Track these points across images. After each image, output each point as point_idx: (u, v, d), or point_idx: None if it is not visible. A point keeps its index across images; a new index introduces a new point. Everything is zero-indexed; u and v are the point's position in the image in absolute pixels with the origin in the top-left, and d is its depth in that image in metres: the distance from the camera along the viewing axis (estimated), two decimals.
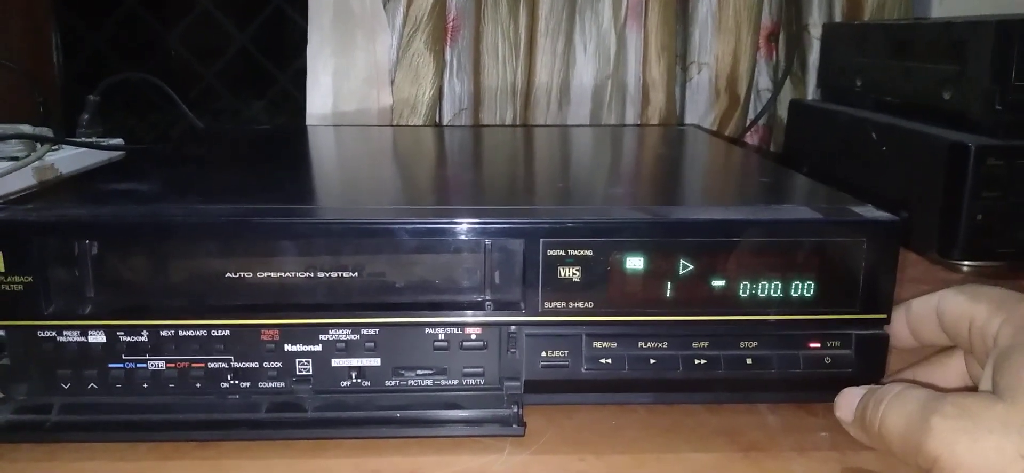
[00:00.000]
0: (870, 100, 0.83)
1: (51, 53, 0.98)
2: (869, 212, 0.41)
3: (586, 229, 0.39)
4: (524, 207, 0.42)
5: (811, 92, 0.98)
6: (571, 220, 0.39)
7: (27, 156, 0.74)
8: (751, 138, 0.99)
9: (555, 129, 0.85)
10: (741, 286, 0.40)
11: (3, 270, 0.38)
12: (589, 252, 0.39)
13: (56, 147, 0.79)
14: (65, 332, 0.39)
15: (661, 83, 0.92)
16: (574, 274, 0.39)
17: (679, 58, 0.95)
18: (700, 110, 0.96)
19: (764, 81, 0.99)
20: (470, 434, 0.39)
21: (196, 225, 0.39)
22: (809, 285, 0.40)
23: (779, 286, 0.40)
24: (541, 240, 0.39)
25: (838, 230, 0.40)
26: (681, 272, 0.40)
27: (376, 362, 0.41)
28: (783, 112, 0.99)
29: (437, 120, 0.89)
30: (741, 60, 0.93)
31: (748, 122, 0.97)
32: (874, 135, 0.76)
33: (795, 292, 0.40)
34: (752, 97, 0.97)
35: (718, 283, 0.40)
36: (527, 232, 0.39)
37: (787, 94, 0.98)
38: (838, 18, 0.98)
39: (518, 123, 0.92)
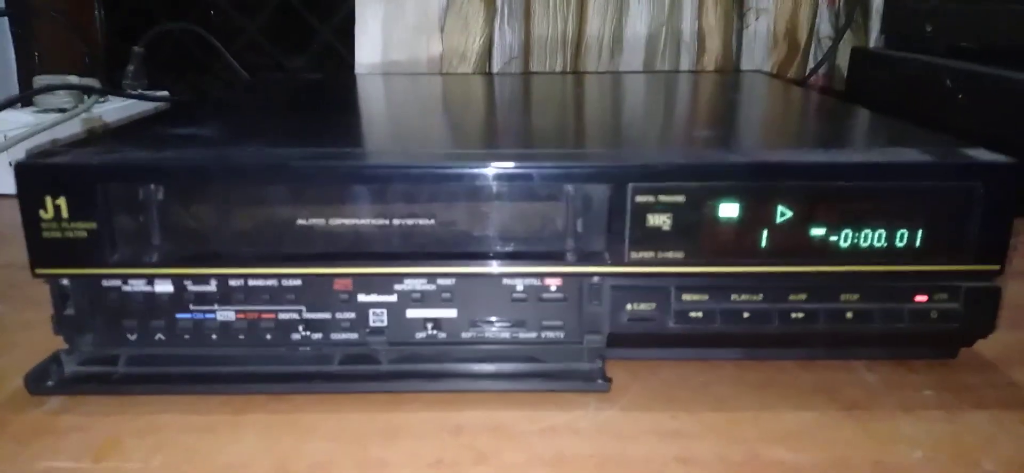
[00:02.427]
0: (942, 46, 0.78)
1: (93, 4, 0.96)
2: (983, 154, 0.38)
3: (679, 172, 0.36)
4: (609, 150, 0.39)
5: (874, 40, 0.93)
6: (662, 163, 0.37)
7: (74, 108, 0.73)
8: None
9: (616, 76, 0.82)
10: (843, 234, 0.37)
11: (66, 216, 0.36)
12: (681, 198, 0.36)
13: (103, 99, 0.77)
14: (130, 281, 0.38)
15: (718, 30, 0.88)
16: (664, 222, 0.37)
17: (735, 4, 0.90)
18: (757, 59, 0.92)
19: (824, 28, 0.95)
20: (552, 389, 0.37)
21: (267, 168, 0.36)
22: (917, 233, 0.37)
23: (884, 234, 0.37)
24: (629, 185, 0.36)
25: (951, 174, 0.37)
26: (779, 219, 0.37)
27: (452, 313, 0.39)
28: (842, 61, 0.94)
29: (487, 68, 0.86)
30: (802, 5, 0.89)
31: (807, 71, 0.93)
32: (949, 82, 0.72)
33: (901, 241, 0.38)
34: (813, 45, 0.93)
35: (818, 231, 0.37)
36: (614, 176, 0.37)
37: (846, 43, 0.94)
38: None
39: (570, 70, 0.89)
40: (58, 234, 0.36)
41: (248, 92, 0.68)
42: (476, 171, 0.37)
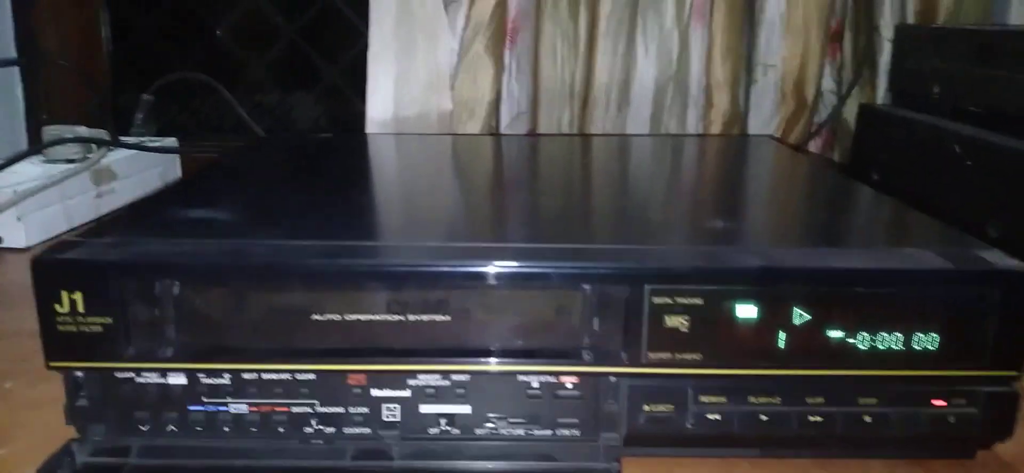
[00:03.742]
0: (948, 108, 0.78)
1: (101, 45, 0.97)
2: (1001, 260, 0.38)
3: (697, 276, 0.36)
4: (624, 246, 0.39)
5: (880, 96, 0.94)
6: (679, 265, 0.36)
7: (83, 159, 0.73)
8: (814, 144, 0.95)
9: (623, 141, 0.82)
10: (860, 338, 0.37)
11: (82, 310, 0.36)
12: (699, 300, 0.36)
13: (111, 149, 0.77)
14: (144, 373, 0.38)
15: (726, 85, 0.88)
16: (681, 323, 0.37)
17: (744, 59, 0.91)
18: (764, 113, 0.92)
19: (827, 82, 0.95)
20: None
21: (283, 266, 0.36)
22: (933, 338, 0.37)
23: (901, 339, 0.37)
24: (646, 286, 0.36)
25: (969, 280, 0.37)
26: (797, 322, 0.37)
27: (466, 409, 0.39)
28: (849, 115, 0.94)
29: (495, 123, 0.86)
30: (809, 62, 0.89)
31: (813, 127, 0.93)
32: (957, 148, 0.72)
33: (919, 345, 0.37)
34: (819, 100, 0.93)
35: (835, 334, 0.37)
36: (631, 277, 0.36)
37: (854, 97, 0.94)
38: (910, 19, 0.93)
39: (576, 126, 0.89)
40: (73, 328, 0.36)
41: (259, 154, 0.68)
42: (493, 270, 0.36)
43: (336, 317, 0.37)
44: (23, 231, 0.61)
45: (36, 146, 0.73)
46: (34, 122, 0.85)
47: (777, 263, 0.37)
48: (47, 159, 0.73)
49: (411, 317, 0.37)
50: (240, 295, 0.38)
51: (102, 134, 0.76)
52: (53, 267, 0.36)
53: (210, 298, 0.38)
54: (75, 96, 0.90)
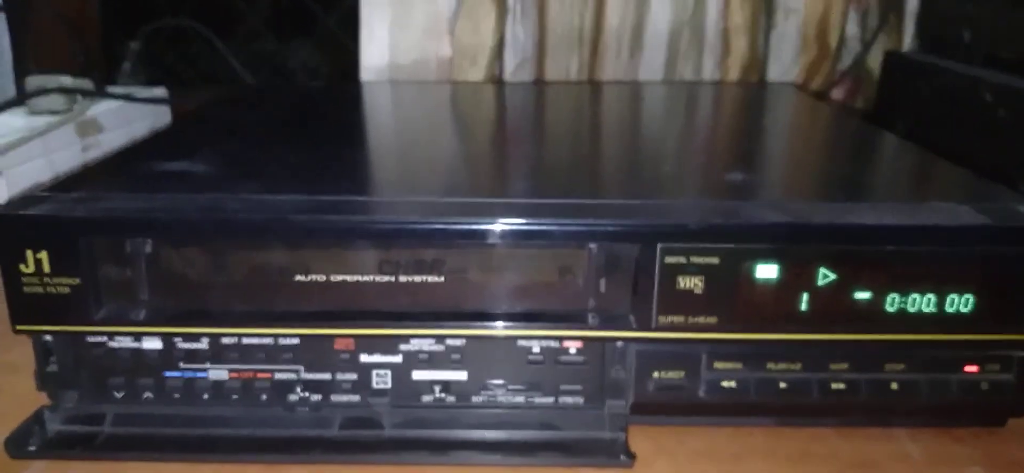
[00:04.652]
0: (981, 54, 0.74)
1: None
2: None
3: (714, 233, 0.33)
4: (634, 202, 0.36)
5: (907, 43, 0.89)
6: (694, 222, 0.33)
7: (68, 110, 0.70)
8: (837, 92, 0.91)
9: (635, 87, 0.78)
10: (889, 300, 0.34)
11: (48, 271, 0.33)
12: (715, 259, 0.33)
13: (97, 100, 0.74)
14: (117, 337, 0.35)
15: (744, 30, 0.84)
16: (696, 285, 0.34)
17: (763, 3, 0.86)
18: (784, 60, 0.88)
19: (851, 28, 0.90)
20: (570, 464, 0.35)
21: (263, 223, 0.33)
22: (968, 299, 0.34)
23: (933, 300, 0.34)
24: (658, 245, 0.33)
25: (1009, 237, 0.34)
26: (821, 283, 0.34)
27: (462, 376, 0.36)
28: (873, 63, 0.90)
29: (498, 70, 0.82)
30: (833, 6, 0.85)
31: (837, 74, 0.89)
32: (989, 96, 0.68)
33: (951, 307, 0.34)
34: (842, 47, 0.89)
35: (863, 296, 0.34)
36: (641, 235, 0.33)
37: (878, 45, 0.90)
38: None
39: (586, 73, 0.85)
40: (40, 289, 0.34)
41: (249, 107, 0.64)
42: (490, 227, 0.33)
43: (322, 277, 0.35)
44: (4, 186, 0.59)
45: (18, 97, 0.70)
46: (22, 73, 0.82)
47: (801, 219, 0.34)
48: (31, 111, 0.70)
49: (402, 278, 0.35)
50: (218, 253, 0.35)
51: (86, 84, 0.73)
52: (16, 223, 0.33)
53: (185, 257, 0.35)
54: (66, 45, 0.87)
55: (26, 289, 0.34)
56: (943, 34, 0.80)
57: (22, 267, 0.33)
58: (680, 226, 0.33)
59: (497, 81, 0.82)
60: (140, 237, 0.34)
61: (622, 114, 0.64)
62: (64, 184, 0.38)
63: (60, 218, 0.33)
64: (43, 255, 0.33)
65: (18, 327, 0.35)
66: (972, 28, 0.76)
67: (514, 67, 0.83)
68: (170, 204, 0.35)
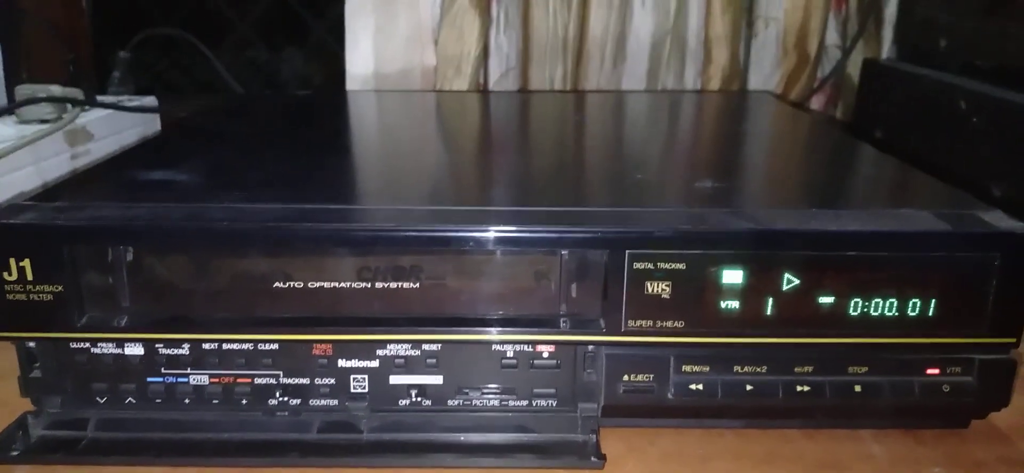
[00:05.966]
0: (956, 63, 0.75)
1: (82, 7, 0.93)
2: (1002, 221, 0.35)
3: (680, 240, 0.34)
4: (604, 209, 0.37)
5: (885, 50, 0.90)
6: (661, 229, 0.34)
7: (58, 119, 0.70)
8: (816, 100, 0.92)
9: (618, 97, 0.80)
10: (852, 304, 0.35)
11: (31, 278, 0.34)
12: (682, 265, 0.34)
13: (87, 109, 0.75)
14: (100, 344, 0.36)
15: (725, 39, 0.85)
16: (663, 290, 0.35)
17: (744, 12, 0.87)
18: (765, 69, 0.89)
19: (831, 36, 0.92)
20: (543, 466, 0.35)
21: (242, 231, 0.34)
22: (930, 304, 0.35)
23: (895, 304, 0.35)
24: (626, 252, 0.34)
25: (967, 243, 0.35)
26: (785, 288, 0.35)
27: (438, 380, 0.37)
28: (852, 71, 0.91)
29: (483, 79, 0.83)
30: (813, 15, 0.86)
31: (817, 82, 0.90)
32: (963, 104, 0.70)
33: (913, 311, 0.35)
34: (822, 55, 0.90)
35: (826, 300, 0.35)
36: (610, 242, 0.34)
37: (858, 52, 0.91)
38: None
39: (570, 82, 0.86)
40: (23, 296, 0.34)
41: (234, 116, 0.65)
42: (463, 234, 0.34)
43: (300, 284, 0.35)
44: None
45: (7, 105, 0.71)
46: (13, 82, 0.83)
47: (765, 226, 0.35)
48: (21, 119, 0.70)
49: (379, 284, 0.36)
50: (198, 261, 0.36)
51: (76, 93, 0.73)
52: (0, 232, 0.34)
53: (166, 264, 0.36)
54: (56, 55, 0.87)
55: (9, 296, 0.34)
56: (920, 42, 0.81)
57: (5, 275, 0.34)
58: (647, 233, 0.34)
59: (481, 90, 0.83)
60: (121, 245, 0.35)
61: (604, 123, 0.65)
62: (48, 193, 0.39)
63: (43, 227, 0.34)
64: (26, 263, 0.34)
65: (2, 334, 0.35)
66: (948, 37, 0.77)
67: (498, 76, 0.84)
68: (151, 213, 0.35)
